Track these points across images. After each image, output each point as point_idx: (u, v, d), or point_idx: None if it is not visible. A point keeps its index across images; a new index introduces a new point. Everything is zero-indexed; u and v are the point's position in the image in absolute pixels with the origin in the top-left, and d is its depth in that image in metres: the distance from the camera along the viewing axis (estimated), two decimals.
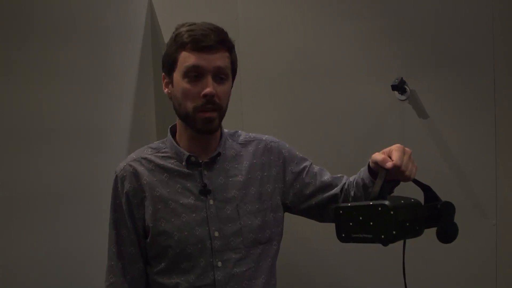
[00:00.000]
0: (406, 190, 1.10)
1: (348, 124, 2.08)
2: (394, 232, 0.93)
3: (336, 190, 1.26)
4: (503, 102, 1.79)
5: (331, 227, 2.10)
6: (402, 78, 1.91)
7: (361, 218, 0.97)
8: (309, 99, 2.16)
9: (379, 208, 0.94)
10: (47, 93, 1.92)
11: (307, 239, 2.18)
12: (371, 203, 0.96)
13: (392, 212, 0.93)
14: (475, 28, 1.82)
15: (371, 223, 0.95)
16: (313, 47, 2.15)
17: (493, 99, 1.80)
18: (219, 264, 1.19)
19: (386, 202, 0.94)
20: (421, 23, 1.92)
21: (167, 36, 2.42)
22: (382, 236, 0.94)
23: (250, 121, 1.85)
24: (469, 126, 1.86)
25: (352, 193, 1.21)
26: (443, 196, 1.05)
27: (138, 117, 2.35)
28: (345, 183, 1.26)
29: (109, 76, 2.21)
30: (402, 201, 0.96)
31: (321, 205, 1.27)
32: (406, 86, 1.93)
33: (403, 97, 1.95)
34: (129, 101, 2.33)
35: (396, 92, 1.95)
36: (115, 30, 2.27)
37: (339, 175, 1.30)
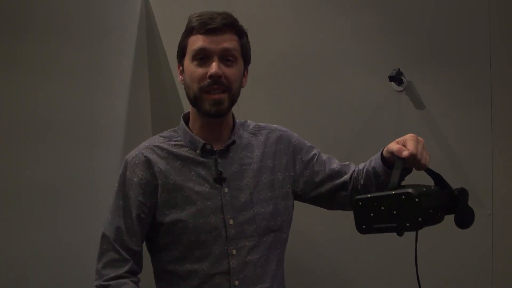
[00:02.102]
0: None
1: (345, 116, 2.08)
2: (420, 219, 0.94)
3: (345, 177, 1.27)
4: (499, 92, 1.80)
5: (331, 221, 2.10)
6: (399, 69, 1.91)
7: (383, 208, 0.97)
8: (306, 91, 2.16)
9: (403, 197, 0.95)
10: (43, 90, 1.91)
11: (308, 234, 2.18)
12: (393, 193, 0.97)
13: (417, 200, 0.94)
14: (471, 20, 1.83)
15: (395, 212, 0.96)
16: (309, 40, 2.14)
17: (489, 90, 1.81)
18: (234, 252, 1.19)
19: (410, 190, 0.95)
20: (418, 14, 1.92)
21: (162, 32, 2.44)
22: (407, 224, 0.95)
23: (246, 114, 1.86)
24: (465, 116, 1.87)
25: (361, 181, 1.22)
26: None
27: (134, 113, 2.34)
28: (354, 170, 1.27)
29: (104, 72, 2.20)
30: (424, 189, 0.97)
31: (330, 193, 1.28)
32: (403, 77, 1.93)
33: (400, 88, 1.96)
34: (125, 97, 2.32)
35: (393, 83, 1.95)
36: (110, 26, 2.25)
37: (346, 163, 1.31)
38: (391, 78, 1.91)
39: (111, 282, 1.18)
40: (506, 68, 1.79)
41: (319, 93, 2.13)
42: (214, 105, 1.16)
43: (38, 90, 1.90)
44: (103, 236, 1.22)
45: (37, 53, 1.89)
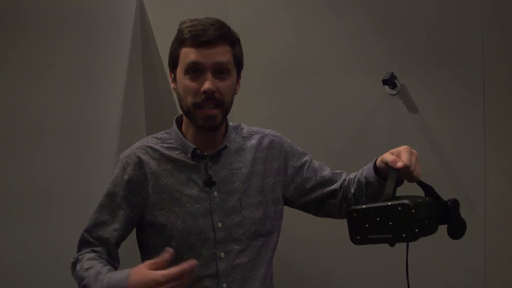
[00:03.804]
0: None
1: (338, 119, 2.09)
2: (416, 230, 0.94)
3: (335, 186, 1.27)
4: (492, 96, 1.81)
5: (322, 223, 2.11)
6: (392, 72, 1.92)
7: (378, 219, 0.98)
8: (300, 95, 2.16)
9: (399, 208, 0.95)
10: (37, 91, 1.91)
11: (298, 236, 2.18)
12: (389, 204, 0.97)
13: (413, 211, 0.94)
14: (464, 24, 1.84)
15: (390, 223, 0.96)
16: (303, 42, 2.15)
17: (482, 94, 1.82)
18: (222, 255, 1.19)
19: (406, 201, 0.95)
20: (412, 17, 1.93)
21: (157, 33, 2.44)
22: (404, 235, 0.95)
23: (240, 117, 1.86)
24: (458, 120, 1.88)
25: (352, 190, 1.23)
26: None
27: (128, 115, 2.34)
28: (344, 179, 1.28)
29: (98, 74, 2.20)
30: (419, 200, 0.98)
31: (319, 200, 1.29)
32: (396, 81, 1.94)
33: (393, 92, 1.96)
34: (119, 99, 2.32)
35: (386, 87, 1.96)
36: (104, 28, 2.25)
37: (338, 171, 1.31)
38: (385, 82, 1.92)
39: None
40: (498, 72, 1.80)
41: (313, 96, 2.13)
42: (207, 121, 1.17)
43: (32, 92, 1.89)
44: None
45: (30, 56, 1.89)
